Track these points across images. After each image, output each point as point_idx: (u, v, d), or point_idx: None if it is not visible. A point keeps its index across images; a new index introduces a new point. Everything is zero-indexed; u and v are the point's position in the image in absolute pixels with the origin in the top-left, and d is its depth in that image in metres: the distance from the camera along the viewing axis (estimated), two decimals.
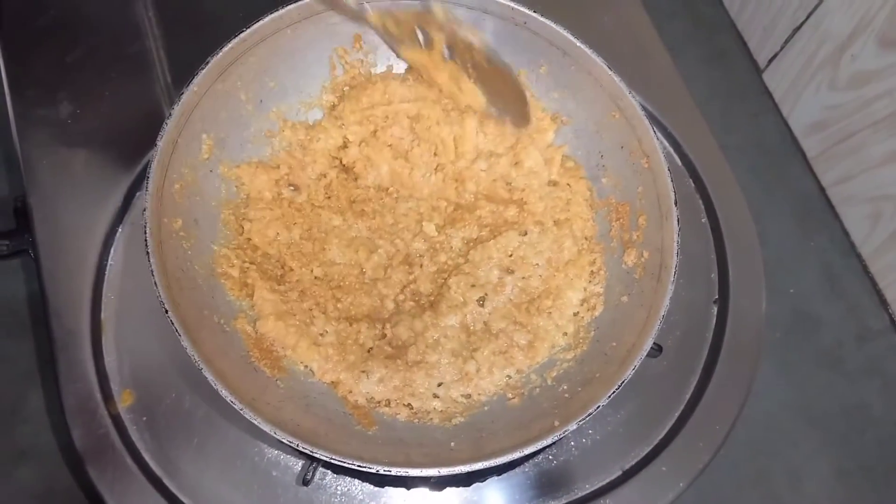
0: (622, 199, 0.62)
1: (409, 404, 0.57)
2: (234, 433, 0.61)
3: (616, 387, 0.50)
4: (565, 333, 0.60)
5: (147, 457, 0.60)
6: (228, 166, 0.62)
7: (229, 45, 0.58)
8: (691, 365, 0.66)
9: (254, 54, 0.60)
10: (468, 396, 0.58)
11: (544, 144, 0.66)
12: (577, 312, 0.61)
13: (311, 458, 0.59)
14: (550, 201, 0.65)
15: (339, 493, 0.60)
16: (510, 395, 0.58)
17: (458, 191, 0.66)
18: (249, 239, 0.61)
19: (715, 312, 0.68)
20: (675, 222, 0.55)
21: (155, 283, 0.50)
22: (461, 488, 0.61)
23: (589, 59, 0.61)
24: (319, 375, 0.57)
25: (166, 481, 0.59)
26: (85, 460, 0.59)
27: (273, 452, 0.61)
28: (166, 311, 0.50)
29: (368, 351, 0.59)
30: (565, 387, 0.56)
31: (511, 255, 0.63)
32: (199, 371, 0.49)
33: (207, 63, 0.57)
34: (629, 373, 0.51)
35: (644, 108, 0.60)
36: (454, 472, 0.49)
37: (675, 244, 0.55)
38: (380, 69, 0.67)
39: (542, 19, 0.62)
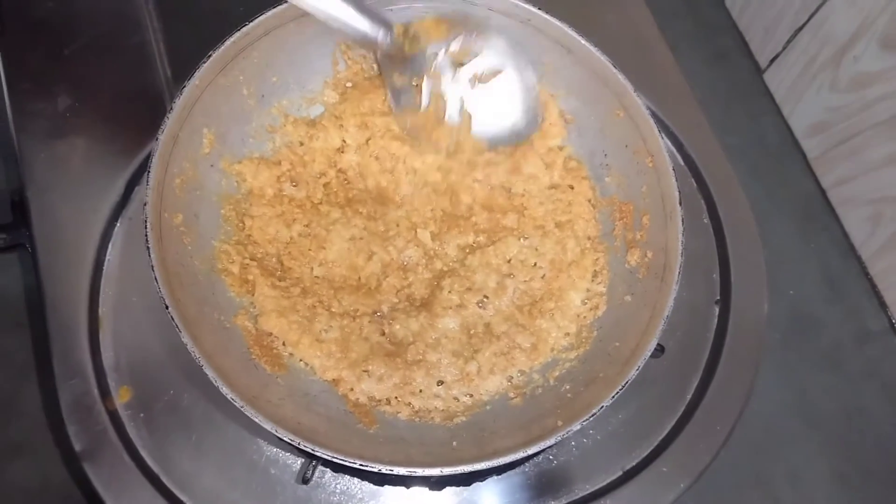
0: (626, 199, 0.62)
1: (411, 403, 0.57)
2: (233, 430, 0.60)
3: (620, 387, 0.50)
4: (567, 334, 0.60)
5: (144, 454, 0.59)
6: (229, 161, 0.61)
7: (232, 39, 0.57)
8: (693, 365, 0.66)
9: (256, 48, 0.60)
10: (470, 396, 0.58)
11: (545, 149, 0.66)
12: (580, 313, 0.61)
13: (310, 457, 0.59)
14: (551, 204, 0.64)
15: (338, 491, 0.59)
16: (512, 395, 0.58)
17: (452, 202, 0.65)
18: (250, 235, 0.61)
19: (717, 313, 0.68)
20: (680, 222, 0.55)
21: (155, 278, 0.50)
22: (461, 487, 0.60)
23: (593, 57, 0.61)
24: (321, 373, 0.57)
25: (164, 478, 0.59)
26: (82, 457, 0.59)
27: (272, 450, 0.60)
28: (167, 308, 0.49)
29: (370, 348, 0.58)
30: (568, 387, 0.56)
31: (510, 261, 0.62)
32: (198, 368, 0.49)
33: (209, 56, 0.56)
34: (633, 373, 0.51)
35: (647, 108, 0.60)
36: (456, 472, 0.48)
37: (680, 244, 0.55)
38: None
39: (546, 17, 0.61)
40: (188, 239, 0.56)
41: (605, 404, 0.50)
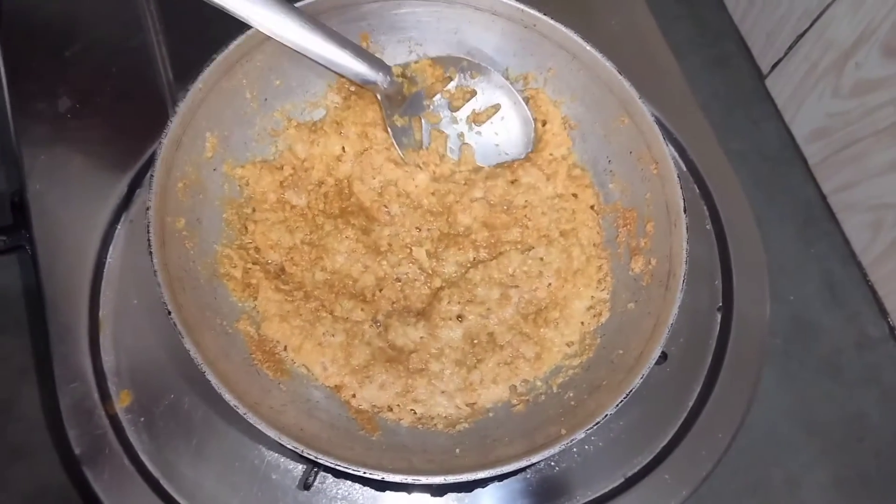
0: (629, 205, 0.62)
1: (413, 410, 0.56)
2: (234, 435, 0.60)
3: (624, 396, 0.50)
4: (571, 342, 0.60)
5: (145, 458, 0.59)
6: (232, 165, 0.61)
7: (236, 43, 0.57)
8: (695, 372, 0.66)
9: (260, 52, 0.59)
10: (472, 403, 0.58)
11: (547, 159, 0.66)
12: (584, 320, 0.61)
13: (312, 463, 0.58)
14: (555, 213, 0.64)
15: (339, 497, 0.59)
16: (515, 402, 0.57)
17: (449, 223, 0.64)
18: (253, 240, 0.60)
19: (719, 320, 0.68)
20: (684, 229, 0.55)
21: (158, 283, 0.50)
22: (462, 493, 0.60)
23: (598, 63, 0.61)
24: (323, 379, 0.57)
25: (164, 483, 0.58)
26: (81, 461, 0.58)
27: (273, 455, 0.60)
28: (169, 313, 0.49)
29: (372, 354, 0.58)
30: (571, 394, 0.56)
31: (513, 273, 0.62)
32: (199, 372, 0.48)
33: (213, 60, 0.56)
34: (637, 381, 0.51)
35: (651, 114, 0.60)
36: (459, 481, 0.48)
37: (684, 251, 0.54)
38: None
39: (551, 22, 0.61)
40: (190, 243, 0.56)
41: (609, 413, 0.50)
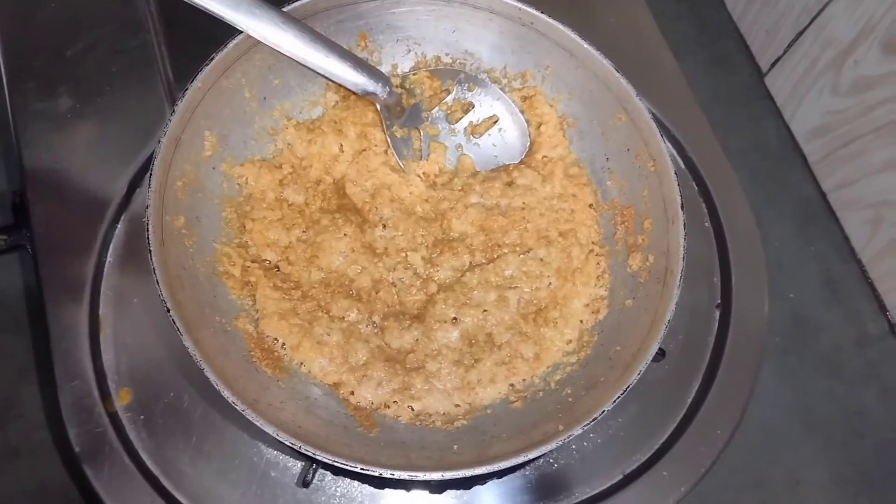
0: (627, 203, 0.62)
1: (411, 407, 0.57)
2: (233, 433, 0.60)
3: (621, 392, 0.50)
4: (570, 341, 0.60)
5: (144, 456, 0.59)
6: (231, 164, 0.61)
7: (234, 42, 0.57)
8: (693, 369, 0.66)
9: (259, 51, 0.59)
10: (470, 401, 0.58)
11: (540, 161, 0.66)
12: (583, 318, 0.61)
13: (310, 460, 0.58)
14: (554, 214, 0.64)
15: (338, 494, 0.59)
16: (513, 399, 0.57)
17: (442, 229, 0.64)
18: (251, 238, 0.61)
19: (717, 317, 0.68)
20: (682, 226, 0.55)
21: (157, 281, 0.50)
22: (461, 491, 0.60)
23: (596, 61, 0.61)
24: (321, 376, 0.57)
25: (163, 481, 0.59)
26: (81, 459, 0.58)
27: (272, 453, 0.60)
28: (168, 311, 0.49)
29: (370, 352, 0.58)
30: (569, 391, 0.56)
31: (511, 276, 0.61)
32: (198, 370, 0.49)
33: (212, 59, 0.56)
34: (634, 378, 0.51)
35: (650, 113, 0.60)
36: (457, 476, 0.48)
37: (682, 248, 0.54)
38: (385, 68, 0.67)
39: (549, 20, 0.61)
40: (189, 241, 0.56)
41: (606, 409, 0.50)
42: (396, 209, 0.63)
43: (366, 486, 0.59)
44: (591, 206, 0.65)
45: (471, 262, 0.62)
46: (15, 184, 0.68)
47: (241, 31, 0.57)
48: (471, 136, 0.67)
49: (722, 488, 0.73)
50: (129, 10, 0.76)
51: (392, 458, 0.50)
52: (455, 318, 0.59)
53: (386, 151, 0.65)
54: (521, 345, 0.59)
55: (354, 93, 0.62)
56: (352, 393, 0.56)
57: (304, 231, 0.62)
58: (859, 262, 0.85)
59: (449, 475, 0.48)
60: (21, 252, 0.67)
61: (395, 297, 0.60)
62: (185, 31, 0.75)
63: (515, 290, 0.61)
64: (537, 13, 0.61)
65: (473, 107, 0.67)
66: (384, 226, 0.63)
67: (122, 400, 0.61)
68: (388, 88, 0.62)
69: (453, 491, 0.60)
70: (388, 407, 0.56)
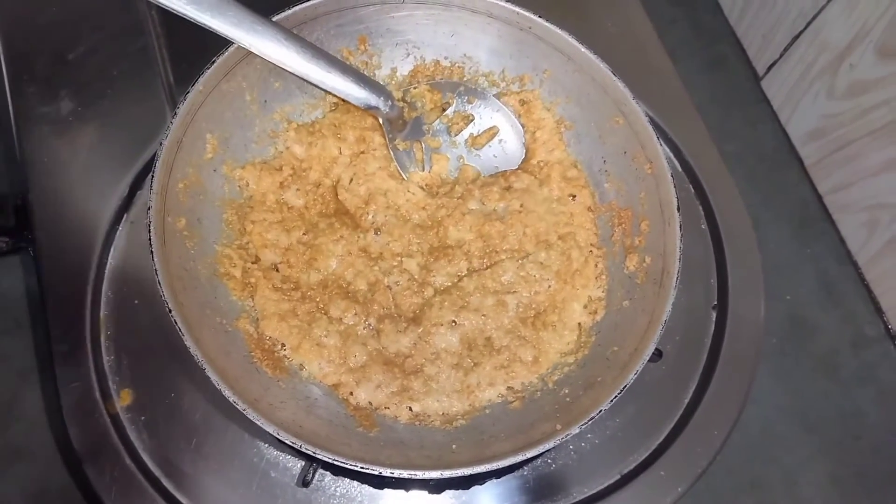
0: (624, 205, 0.62)
1: (410, 408, 0.57)
2: (233, 433, 0.61)
3: (618, 392, 0.51)
4: (568, 343, 0.60)
5: (145, 456, 0.60)
6: (232, 166, 0.62)
7: (235, 45, 0.58)
8: (690, 370, 0.67)
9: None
10: (469, 403, 0.58)
11: (536, 166, 0.67)
12: (581, 321, 0.61)
13: (310, 459, 0.59)
14: (553, 217, 0.64)
15: (338, 494, 0.60)
16: (511, 399, 0.58)
17: (438, 237, 0.64)
18: (251, 241, 0.61)
19: (714, 318, 0.69)
20: (678, 228, 0.56)
21: (158, 282, 0.50)
22: (460, 491, 0.61)
23: (593, 65, 0.61)
24: (321, 377, 0.57)
25: (164, 481, 0.59)
26: (83, 460, 0.59)
27: (272, 453, 0.61)
28: (170, 311, 0.50)
29: (368, 355, 0.58)
30: (567, 391, 0.56)
31: (510, 281, 0.62)
32: (199, 371, 0.49)
33: (213, 63, 0.57)
34: (631, 377, 0.51)
35: (646, 114, 0.60)
36: (455, 475, 0.49)
37: (678, 250, 0.55)
38: (385, 71, 0.67)
39: (547, 24, 0.62)
40: (191, 243, 0.56)
41: (603, 408, 0.50)
42: (391, 215, 0.64)
43: (365, 485, 0.60)
44: (589, 208, 0.65)
45: (468, 268, 0.62)
46: (17, 186, 0.69)
47: None
48: (472, 148, 0.68)
49: (719, 489, 0.74)
50: (130, 14, 0.76)
51: (391, 458, 0.50)
52: (453, 322, 0.59)
53: (384, 156, 0.65)
54: (520, 349, 0.59)
55: (357, 106, 0.62)
56: (351, 393, 0.57)
57: (304, 233, 0.62)
58: (855, 264, 0.86)
59: (447, 474, 0.48)
60: (23, 254, 0.67)
61: (391, 300, 0.61)
62: (185, 34, 0.74)
63: (514, 295, 0.61)
64: (535, 17, 0.62)
65: (473, 119, 0.68)
66: (377, 231, 0.63)
67: (123, 401, 0.61)
68: (390, 102, 0.62)
69: (452, 491, 0.60)
70: (388, 408, 0.57)
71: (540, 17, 0.62)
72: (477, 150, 0.68)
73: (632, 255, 0.60)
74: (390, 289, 0.61)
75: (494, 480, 0.61)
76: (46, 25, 0.75)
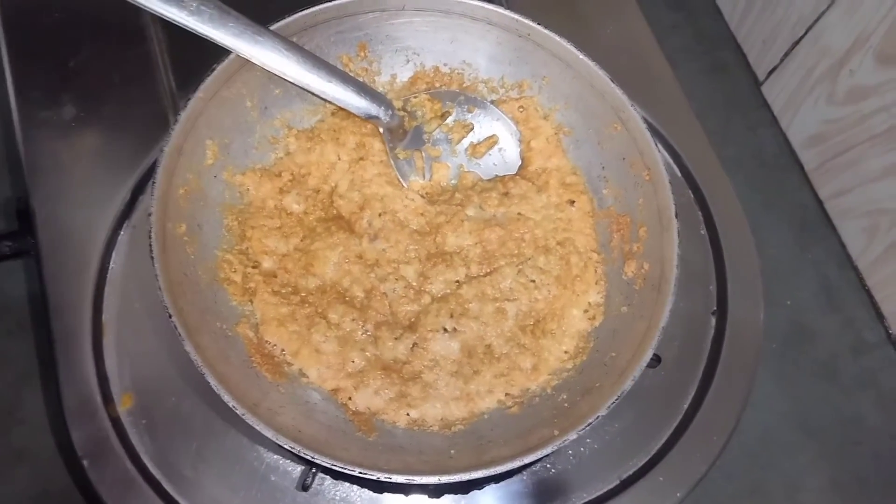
0: (623, 211, 0.63)
1: (409, 414, 0.57)
2: (234, 437, 0.61)
3: (616, 397, 0.51)
4: (567, 350, 0.60)
5: (146, 460, 0.60)
6: (232, 172, 0.62)
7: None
8: (689, 375, 0.67)
9: None
10: (468, 411, 0.58)
11: (534, 172, 0.67)
12: (581, 329, 0.61)
13: (310, 464, 0.59)
14: (551, 224, 0.64)
15: (337, 498, 0.60)
16: (510, 405, 0.58)
17: (436, 243, 0.64)
18: (250, 246, 0.61)
19: (713, 323, 0.69)
20: (676, 235, 0.56)
21: (159, 287, 0.51)
22: (459, 495, 0.61)
23: (591, 71, 0.62)
24: (320, 382, 0.57)
25: (165, 485, 0.59)
26: (84, 463, 0.59)
27: (272, 457, 0.61)
28: (170, 316, 0.50)
29: (367, 361, 0.58)
30: (565, 396, 0.57)
31: (509, 288, 0.61)
32: (200, 375, 0.49)
33: (213, 70, 0.57)
34: (629, 384, 0.51)
35: (645, 120, 0.60)
36: (454, 481, 0.49)
37: (676, 256, 0.55)
38: (384, 78, 0.67)
39: (545, 31, 0.62)
40: (191, 248, 0.57)
41: (601, 414, 0.50)
42: (388, 221, 0.64)
43: (365, 490, 0.60)
44: (587, 213, 0.65)
45: (466, 275, 0.62)
46: (19, 190, 0.69)
47: None
48: (472, 157, 0.68)
49: (718, 494, 0.74)
50: (132, 21, 0.77)
51: (390, 463, 0.51)
52: (452, 329, 0.59)
53: (382, 161, 0.66)
54: (520, 356, 0.59)
55: (357, 116, 0.62)
56: (350, 398, 0.57)
57: (301, 239, 0.62)
58: (856, 269, 0.85)
59: (446, 479, 0.49)
60: (25, 258, 0.67)
61: (388, 307, 0.61)
62: (187, 41, 0.75)
63: (514, 303, 0.61)
64: (534, 24, 0.62)
65: (473, 128, 0.68)
66: (374, 237, 0.63)
67: (124, 404, 0.61)
68: (390, 112, 0.62)
69: (451, 496, 0.61)
70: (386, 413, 0.57)
71: (538, 23, 0.62)
72: (477, 158, 0.68)
73: (630, 261, 0.60)
74: (386, 296, 0.61)
75: (494, 485, 0.61)
76: (50, 31, 0.75)
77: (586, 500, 0.62)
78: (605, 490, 0.62)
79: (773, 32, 0.91)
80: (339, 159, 0.65)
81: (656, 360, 0.65)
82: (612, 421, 0.64)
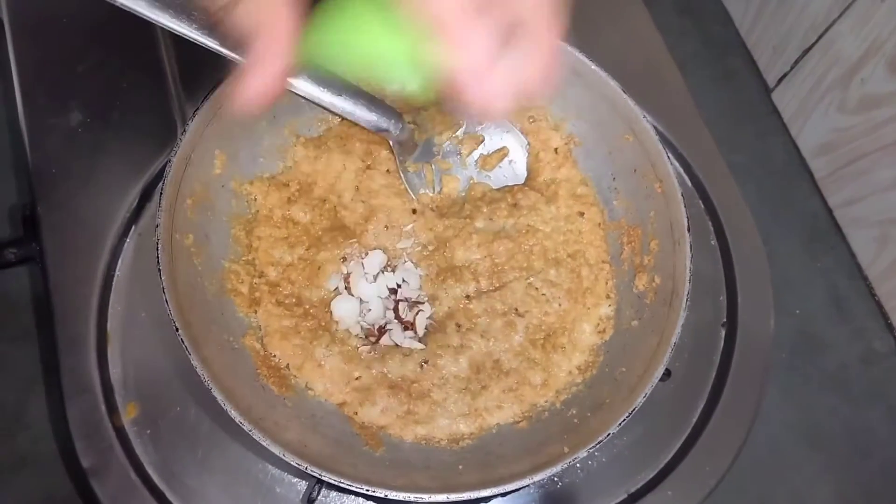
0: (634, 223, 0.62)
1: (415, 430, 0.57)
2: (239, 448, 0.60)
3: (626, 415, 0.50)
4: (578, 366, 0.60)
5: (150, 470, 0.59)
6: (240, 182, 0.62)
7: None
8: (698, 388, 0.66)
9: None
10: (476, 426, 0.58)
11: (542, 183, 0.66)
12: (592, 343, 0.61)
13: (316, 478, 0.59)
14: (561, 236, 0.64)
15: None
16: (518, 419, 0.58)
17: (446, 257, 0.63)
18: (257, 256, 0.61)
19: (723, 336, 0.68)
20: (688, 248, 0.55)
21: (166, 300, 0.50)
22: None
23: (602, 81, 0.61)
24: (326, 396, 0.57)
25: (169, 495, 0.59)
26: (88, 472, 0.59)
27: (278, 469, 0.60)
28: (177, 330, 0.49)
29: (372, 378, 0.58)
30: (574, 411, 0.56)
31: (520, 302, 0.61)
32: (205, 386, 0.49)
33: (222, 81, 0.57)
34: (640, 400, 0.51)
35: (656, 130, 0.60)
36: (463, 499, 0.48)
37: (688, 270, 0.54)
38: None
39: None
40: (198, 259, 0.56)
41: (611, 431, 0.50)
42: (394, 235, 0.63)
43: (370, 503, 0.60)
44: (598, 225, 0.65)
45: (477, 289, 0.61)
46: (25, 196, 0.69)
47: None
48: (482, 170, 0.67)
49: None
50: (140, 26, 0.75)
51: (397, 479, 0.50)
52: (462, 346, 0.59)
53: (390, 172, 0.65)
54: (529, 371, 0.59)
55: (367, 129, 0.61)
56: (356, 413, 0.56)
57: (306, 249, 0.62)
58: (866, 279, 0.85)
59: (454, 497, 0.48)
60: (30, 265, 0.67)
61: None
62: (196, 47, 0.75)
63: (524, 317, 0.60)
64: None
65: (484, 140, 0.67)
66: (382, 250, 0.63)
67: (128, 414, 0.61)
68: (400, 125, 0.62)
69: None
70: (393, 428, 0.56)
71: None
72: (487, 171, 0.67)
73: (641, 275, 0.60)
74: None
75: (500, 499, 0.61)
76: (57, 37, 0.75)
77: None
78: None
79: (784, 39, 0.90)
80: (345, 168, 0.64)
81: (666, 373, 0.64)
82: (620, 434, 0.62)
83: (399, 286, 0.62)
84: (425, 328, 0.60)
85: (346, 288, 0.61)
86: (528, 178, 0.67)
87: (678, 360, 0.66)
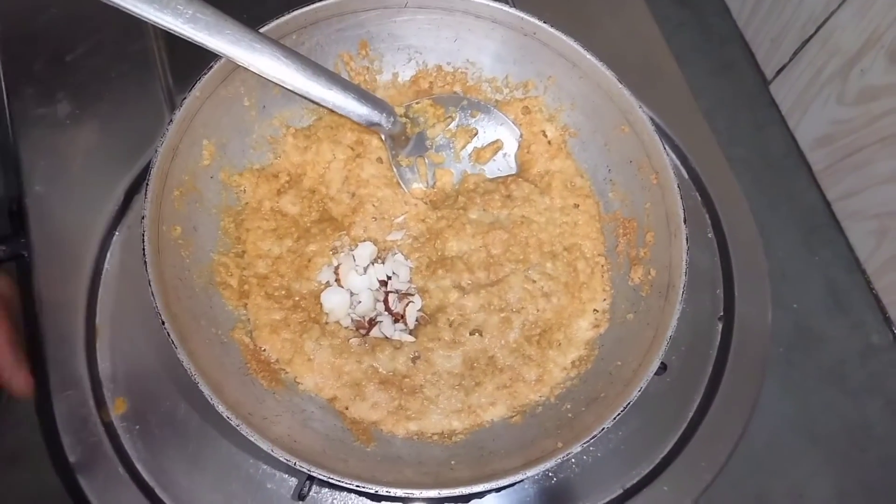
0: (630, 215, 0.61)
1: (407, 426, 0.56)
2: (229, 444, 0.60)
3: (621, 409, 0.49)
4: (573, 361, 0.59)
5: (139, 466, 0.59)
6: (229, 173, 0.61)
7: None
8: (695, 382, 0.66)
9: None
10: (469, 422, 0.57)
11: (536, 174, 0.65)
12: (587, 338, 0.60)
13: (306, 474, 0.58)
14: (556, 229, 0.63)
15: None
16: (512, 414, 0.57)
17: (437, 248, 0.62)
18: (245, 249, 0.60)
19: (720, 329, 0.68)
20: (684, 240, 0.54)
21: (152, 293, 0.49)
22: None
23: (598, 72, 0.60)
24: (316, 391, 0.56)
25: (158, 492, 0.58)
26: (76, 468, 0.58)
27: (268, 465, 0.60)
28: (163, 324, 0.49)
29: (363, 373, 0.57)
30: (568, 406, 0.55)
31: (516, 298, 0.60)
32: (193, 382, 0.48)
33: (211, 67, 0.56)
34: (635, 394, 0.50)
35: (653, 121, 0.59)
36: (454, 494, 0.48)
37: (684, 263, 0.54)
38: (386, 77, 0.66)
39: (551, 30, 0.61)
40: (186, 252, 0.55)
41: (605, 426, 0.49)
42: (385, 226, 0.62)
43: (362, 499, 0.59)
44: (594, 217, 0.64)
45: (471, 282, 0.61)
46: (12, 190, 0.68)
47: None
48: (476, 163, 0.66)
49: (724, 503, 0.73)
50: (128, 16, 0.75)
51: (388, 474, 0.49)
52: (455, 342, 0.58)
53: (380, 161, 0.64)
54: (524, 367, 0.58)
55: (359, 124, 0.61)
56: (347, 408, 0.56)
57: (296, 241, 0.61)
58: (864, 272, 0.84)
59: (446, 493, 0.48)
60: (18, 260, 0.66)
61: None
62: None
63: (520, 313, 0.59)
64: (539, 23, 0.61)
65: (477, 133, 0.66)
66: (372, 242, 0.62)
67: (117, 409, 0.60)
68: (392, 118, 0.61)
69: None
70: (385, 424, 0.56)
71: (544, 22, 0.61)
72: (481, 164, 0.66)
73: (637, 267, 0.59)
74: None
75: (494, 494, 0.60)
76: (45, 26, 0.74)
77: None
78: (608, 499, 0.61)
79: (783, 31, 0.89)
80: (335, 158, 0.63)
81: (662, 367, 0.64)
82: (616, 429, 0.63)
83: (389, 278, 0.61)
84: (416, 321, 0.60)
85: (336, 280, 0.60)
86: (521, 170, 0.66)
87: (674, 353, 0.66)
